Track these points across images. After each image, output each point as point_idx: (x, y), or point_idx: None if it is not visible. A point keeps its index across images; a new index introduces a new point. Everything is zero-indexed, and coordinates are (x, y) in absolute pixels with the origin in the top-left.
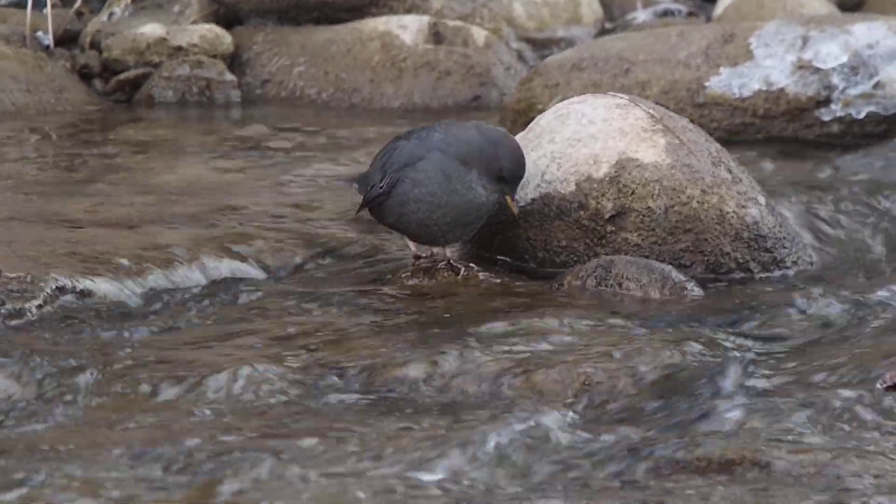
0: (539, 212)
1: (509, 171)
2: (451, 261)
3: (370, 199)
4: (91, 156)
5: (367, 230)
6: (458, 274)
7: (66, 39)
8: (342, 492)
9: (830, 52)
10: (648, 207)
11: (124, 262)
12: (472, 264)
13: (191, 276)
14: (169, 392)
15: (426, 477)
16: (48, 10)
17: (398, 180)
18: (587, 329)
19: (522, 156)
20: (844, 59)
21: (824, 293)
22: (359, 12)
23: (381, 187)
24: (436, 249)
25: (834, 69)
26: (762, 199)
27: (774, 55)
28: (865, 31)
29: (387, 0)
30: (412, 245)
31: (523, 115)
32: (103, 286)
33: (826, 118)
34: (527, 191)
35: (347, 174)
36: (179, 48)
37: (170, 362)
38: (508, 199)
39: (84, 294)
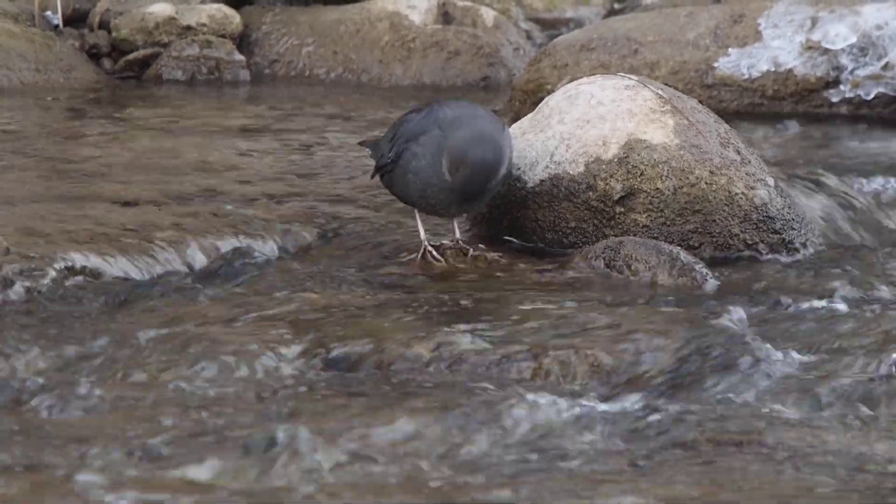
0: (548, 193)
1: (457, 178)
2: (459, 241)
3: (379, 167)
4: (99, 135)
5: (376, 209)
6: (466, 255)
7: (75, 19)
8: (349, 472)
9: (839, 33)
10: (657, 188)
11: (132, 240)
12: (481, 245)
13: (198, 254)
14: (176, 372)
15: (430, 457)
16: None
17: (403, 150)
18: (596, 311)
19: (481, 173)
20: (853, 39)
21: (834, 275)
22: None
23: (388, 157)
24: (443, 229)
25: (843, 50)
26: (771, 181)
27: (783, 36)
28: (874, 12)
29: None
30: (422, 233)
31: (532, 96)
32: (111, 265)
33: (835, 99)
34: (535, 172)
35: (365, 139)
36: (188, 28)
37: (176, 342)
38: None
39: (91, 273)
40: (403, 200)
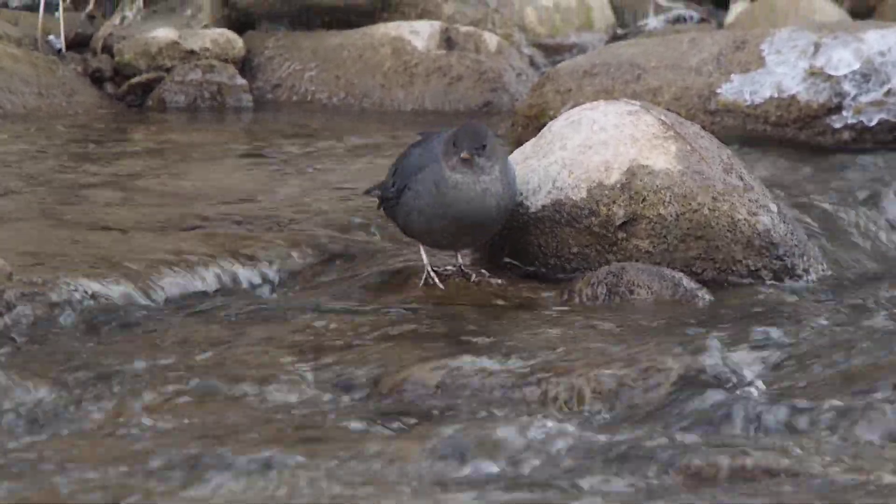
0: (550, 218)
1: (456, 136)
2: (462, 267)
3: (382, 201)
4: (102, 159)
5: (379, 236)
6: (469, 280)
7: (78, 43)
8: (353, 497)
9: (842, 59)
10: (660, 214)
11: (135, 266)
12: (483, 270)
13: (201, 281)
14: (179, 398)
15: (435, 483)
16: (60, 13)
17: (405, 188)
18: (598, 336)
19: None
20: (856, 66)
21: (836, 301)
22: (370, 17)
23: (391, 191)
24: (446, 255)
25: (846, 76)
26: (774, 207)
27: (786, 62)
28: (878, 39)
29: (398, 5)
30: (425, 258)
31: (535, 121)
32: (114, 290)
33: (837, 125)
34: (538, 197)
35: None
36: (191, 52)
37: (179, 368)
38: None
39: (93, 298)
40: (408, 234)
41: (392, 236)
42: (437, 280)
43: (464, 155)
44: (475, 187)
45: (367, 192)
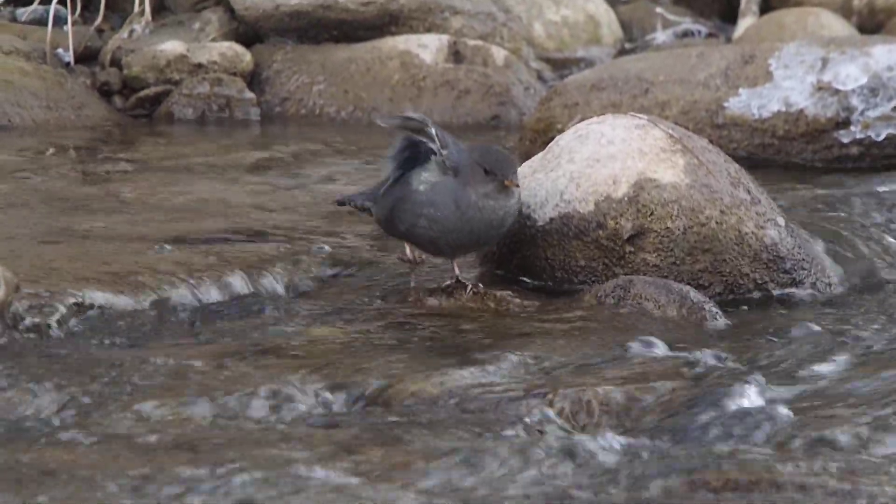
0: (557, 231)
1: (485, 160)
2: (459, 278)
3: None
4: (110, 172)
5: (384, 249)
6: (465, 291)
7: (87, 56)
8: None
9: (850, 74)
10: (667, 228)
11: (143, 278)
12: (480, 284)
13: (209, 292)
14: (187, 409)
15: (436, 494)
16: (69, 27)
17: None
18: (605, 349)
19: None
20: (864, 80)
21: (843, 315)
22: (378, 31)
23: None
24: (440, 260)
25: (853, 91)
26: (781, 220)
27: (794, 76)
28: (885, 53)
29: (407, 19)
30: (408, 251)
31: (542, 135)
32: (121, 302)
33: (845, 140)
34: (545, 210)
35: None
36: (199, 65)
37: (186, 380)
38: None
39: (101, 310)
40: (406, 239)
41: (398, 250)
42: (412, 256)
43: (511, 182)
44: (499, 212)
45: (342, 203)
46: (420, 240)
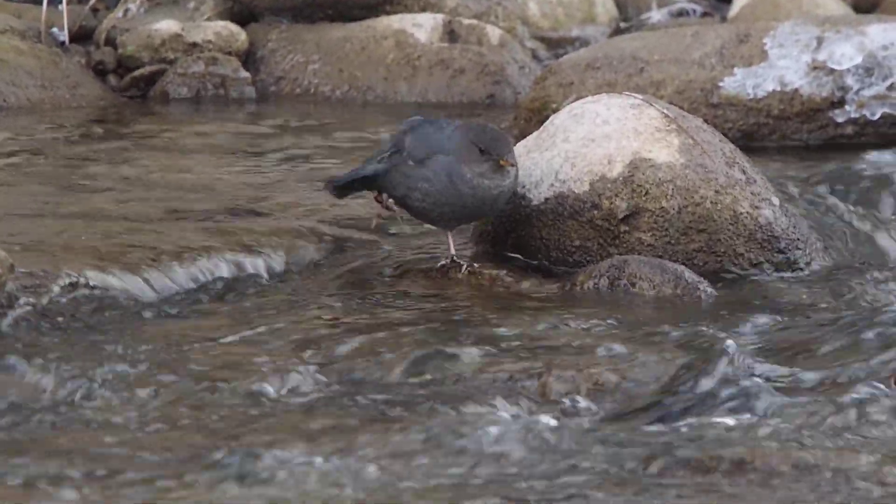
0: (552, 211)
1: (480, 140)
2: (454, 257)
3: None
4: (105, 151)
5: (380, 229)
6: (460, 270)
7: (82, 36)
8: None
9: (845, 53)
10: (662, 207)
11: (138, 257)
12: (475, 263)
13: (204, 273)
14: (183, 389)
15: (433, 475)
16: (64, 6)
17: (423, 160)
18: (599, 329)
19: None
20: (859, 60)
21: (837, 295)
22: (373, 10)
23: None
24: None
25: (848, 70)
26: (776, 200)
27: (789, 56)
28: (881, 33)
29: None
30: (376, 207)
31: (537, 114)
32: (117, 282)
33: (840, 119)
34: (540, 190)
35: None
36: (194, 45)
37: (183, 361)
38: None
39: (98, 290)
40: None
41: (394, 231)
42: (383, 204)
43: (506, 162)
44: (493, 191)
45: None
46: (413, 210)
